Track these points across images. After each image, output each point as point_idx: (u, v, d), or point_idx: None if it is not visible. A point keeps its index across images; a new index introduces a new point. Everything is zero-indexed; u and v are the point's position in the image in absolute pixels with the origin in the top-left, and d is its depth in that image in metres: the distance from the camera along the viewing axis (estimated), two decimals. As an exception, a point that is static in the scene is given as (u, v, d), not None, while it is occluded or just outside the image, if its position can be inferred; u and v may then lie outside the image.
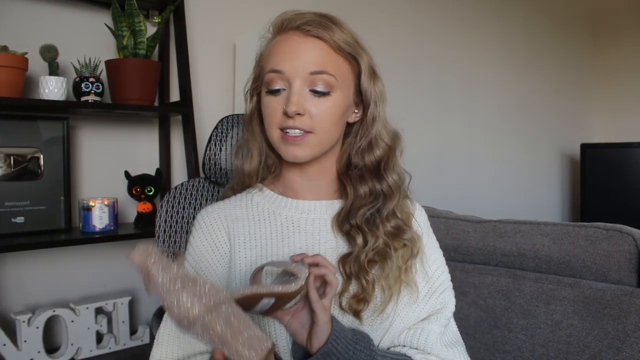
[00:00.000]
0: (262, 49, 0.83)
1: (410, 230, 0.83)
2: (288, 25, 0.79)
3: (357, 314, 0.78)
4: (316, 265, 0.70)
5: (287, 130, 0.76)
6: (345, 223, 0.81)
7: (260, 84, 0.82)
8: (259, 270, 0.74)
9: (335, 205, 0.85)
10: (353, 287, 0.79)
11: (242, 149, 0.89)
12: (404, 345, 0.82)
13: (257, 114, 0.85)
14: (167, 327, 0.82)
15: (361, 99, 0.84)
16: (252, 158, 0.86)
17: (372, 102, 0.83)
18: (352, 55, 0.80)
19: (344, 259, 0.80)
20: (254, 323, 0.59)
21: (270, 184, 0.87)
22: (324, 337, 0.70)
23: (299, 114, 0.75)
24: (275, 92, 0.78)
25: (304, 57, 0.76)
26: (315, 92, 0.76)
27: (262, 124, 0.83)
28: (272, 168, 0.86)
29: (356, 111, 0.84)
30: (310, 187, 0.84)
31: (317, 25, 0.77)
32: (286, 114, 0.75)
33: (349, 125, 0.85)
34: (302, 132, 0.76)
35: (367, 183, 0.82)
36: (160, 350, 0.80)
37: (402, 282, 0.80)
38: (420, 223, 0.89)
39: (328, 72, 0.76)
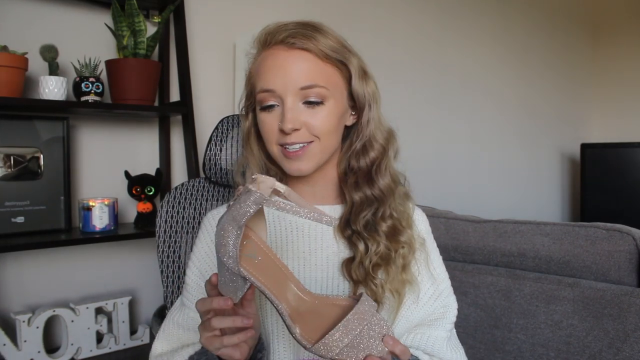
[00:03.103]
0: (250, 66, 0.83)
1: (407, 231, 0.83)
2: (272, 40, 0.78)
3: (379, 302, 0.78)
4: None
5: (287, 146, 0.77)
6: (346, 229, 0.82)
7: (254, 102, 0.82)
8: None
9: (338, 210, 0.85)
10: (368, 289, 0.79)
11: (243, 166, 0.89)
12: (411, 347, 0.82)
13: (254, 131, 0.85)
14: (167, 323, 0.85)
15: (355, 103, 0.83)
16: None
17: (366, 105, 0.82)
18: (340, 61, 0.79)
19: (347, 264, 0.80)
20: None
21: None
22: None
23: (295, 129, 0.75)
24: (269, 109, 0.77)
25: (292, 72, 0.75)
26: (309, 104, 0.76)
27: (260, 139, 0.84)
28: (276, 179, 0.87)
29: (353, 113, 0.84)
30: (314, 193, 0.85)
31: (302, 36, 0.76)
32: (282, 131, 0.76)
33: (347, 128, 0.85)
34: (302, 144, 0.76)
35: (361, 189, 0.83)
36: (161, 343, 0.84)
37: (405, 282, 0.81)
38: (422, 228, 0.89)
39: (318, 84, 0.76)
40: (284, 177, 0.86)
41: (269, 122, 0.78)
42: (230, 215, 0.62)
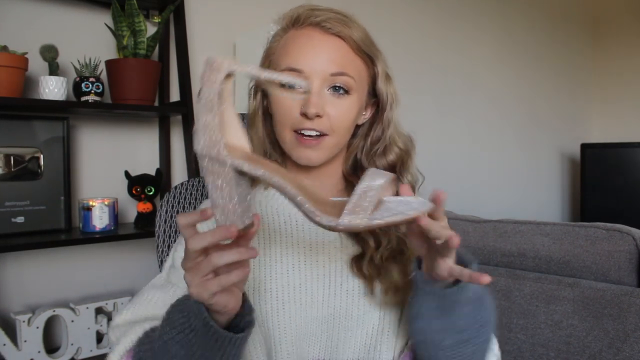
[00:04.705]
0: (273, 42, 0.79)
1: None
2: (306, 21, 0.75)
3: (404, 302, 0.75)
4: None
5: (304, 132, 0.73)
6: None
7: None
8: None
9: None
10: (379, 286, 0.77)
11: None
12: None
13: (261, 112, 0.82)
14: (146, 293, 0.80)
15: (374, 101, 0.82)
16: None
17: (387, 105, 0.81)
18: (369, 56, 0.78)
19: (357, 262, 0.77)
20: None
21: None
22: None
23: (318, 115, 0.72)
24: (290, 88, 0.73)
25: (325, 56, 0.73)
26: (335, 90, 0.74)
27: (266, 122, 0.81)
28: None
29: (364, 113, 0.82)
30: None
31: (338, 22, 0.74)
32: (304, 115, 0.72)
33: (356, 127, 0.83)
34: (318, 133, 0.73)
35: None
36: (121, 315, 0.76)
37: None
38: None
39: (348, 74, 0.74)
40: (283, 164, 0.83)
41: (288, 104, 0.74)
42: (201, 108, 0.55)
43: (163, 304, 0.71)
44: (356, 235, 0.78)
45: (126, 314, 0.75)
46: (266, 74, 0.56)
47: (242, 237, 0.58)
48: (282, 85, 0.74)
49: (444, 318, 0.64)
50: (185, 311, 0.60)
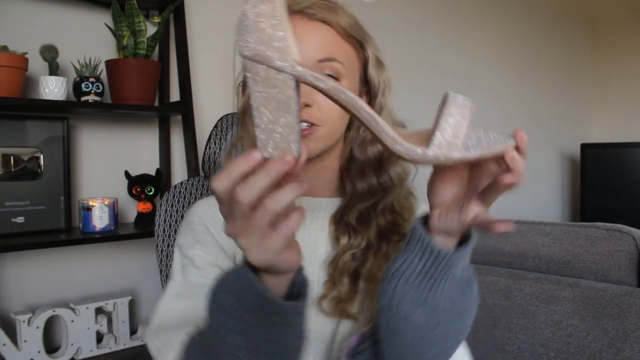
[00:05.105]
0: None
1: (405, 225, 0.77)
2: (289, 9, 0.71)
3: (344, 314, 0.72)
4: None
5: None
6: (339, 222, 0.76)
7: None
8: None
9: (336, 203, 0.79)
10: (336, 292, 0.74)
11: (236, 147, 0.81)
12: None
13: (251, 109, 0.79)
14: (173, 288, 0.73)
15: (367, 89, 0.79)
16: None
17: (379, 92, 0.78)
18: (358, 41, 0.74)
19: (329, 262, 0.75)
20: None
21: None
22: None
23: (307, 105, 0.68)
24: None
25: (311, 43, 0.70)
26: None
27: None
28: None
29: None
30: (311, 185, 0.77)
31: (322, 8, 0.71)
32: None
33: (351, 119, 0.80)
34: (309, 124, 0.69)
35: (366, 179, 0.77)
36: (152, 323, 0.70)
37: None
38: None
39: (336, 59, 0.70)
40: None
41: None
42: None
43: (194, 307, 0.64)
44: (337, 238, 0.75)
45: (157, 319, 0.68)
46: None
47: (288, 175, 0.46)
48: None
49: (423, 288, 0.58)
50: (233, 290, 0.49)
